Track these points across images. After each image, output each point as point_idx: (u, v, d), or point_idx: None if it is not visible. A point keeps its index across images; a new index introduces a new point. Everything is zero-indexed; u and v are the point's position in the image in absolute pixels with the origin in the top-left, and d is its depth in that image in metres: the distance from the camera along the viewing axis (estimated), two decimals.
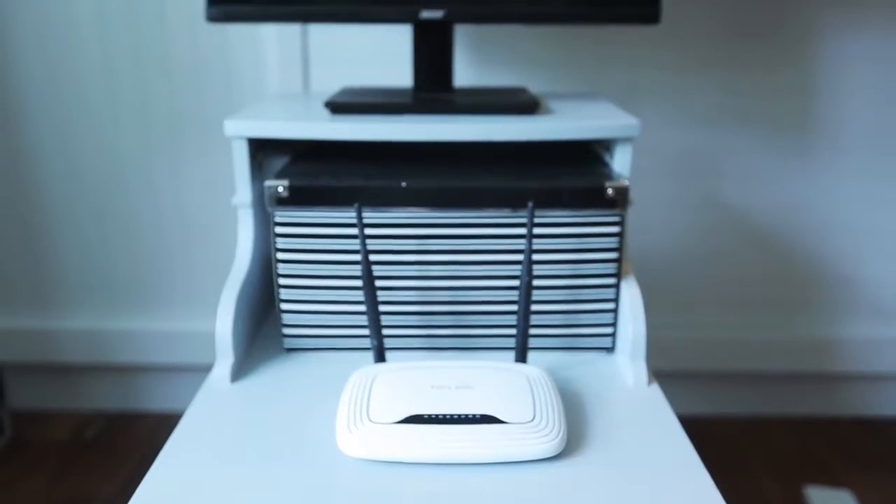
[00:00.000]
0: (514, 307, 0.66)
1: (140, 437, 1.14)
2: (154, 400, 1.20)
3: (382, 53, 1.02)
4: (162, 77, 1.05)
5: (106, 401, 1.21)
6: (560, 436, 0.51)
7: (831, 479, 1.04)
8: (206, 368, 1.16)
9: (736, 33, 1.02)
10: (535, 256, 0.65)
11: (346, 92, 0.78)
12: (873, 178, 1.08)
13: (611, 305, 0.67)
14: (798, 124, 1.06)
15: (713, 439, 1.14)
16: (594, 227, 0.64)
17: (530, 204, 0.60)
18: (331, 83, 1.03)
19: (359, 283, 0.65)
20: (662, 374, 1.16)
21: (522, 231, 0.64)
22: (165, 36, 1.03)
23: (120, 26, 1.03)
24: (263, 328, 0.73)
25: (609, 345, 0.68)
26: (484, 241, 0.65)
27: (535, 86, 1.04)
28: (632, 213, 1.09)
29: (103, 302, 1.16)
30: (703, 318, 1.15)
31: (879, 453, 1.10)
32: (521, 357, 0.61)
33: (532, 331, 0.67)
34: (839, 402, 1.19)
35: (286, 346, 0.68)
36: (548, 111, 0.72)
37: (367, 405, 0.53)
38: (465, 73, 1.04)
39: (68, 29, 1.03)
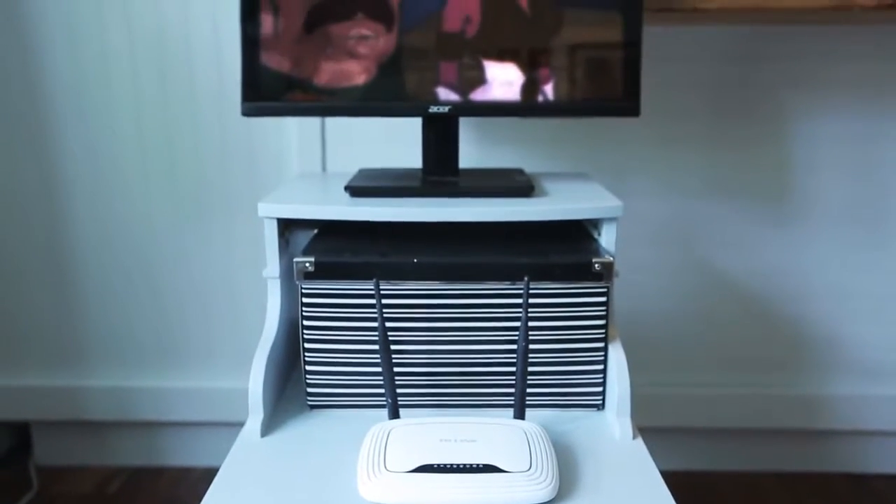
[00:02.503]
0: (513, 369, 0.74)
1: (161, 490, 1.20)
2: (174, 455, 1.26)
3: (393, 135, 1.12)
4: (190, 153, 1.15)
5: (129, 456, 1.27)
6: (553, 483, 0.59)
7: None
8: (224, 425, 1.23)
9: (717, 114, 1.13)
10: (531, 323, 0.73)
11: (363, 175, 0.88)
12: (844, 245, 1.16)
13: (599, 367, 0.74)
14: (775, 196, 1.15)
15: (707, 494, 1.19)
16: (583, 297, 0.73)
17: (526, 278, 0.69)
18: (347, 161, 1.13)
19: (376, 347, 0.73)
20: (657, 430, 1.22)
21: (519, 301, 0.72)
22: (195, 114, 1.13)
23: (153, 106, 1.13)
24: (287, 388, 0.81)
25: (598, 402, 0.76)
26: (485, 310, 0.73)
27: (530, 163, 1.14)
28: (626, 278, 1.18)
29: (127, 361, 1.23)
30: (696, 376, 1.21)
31: None
32: (520, 414, 0.68)
33: (529, 390, 0.75)
34: (827, 458, 1.24)
35: (310, 403, 0.75)
36: (542, 193, 0.81)
37: (383, 456, 0.60)
38: (469, 148, 1.13)
39: (106, 108, 1.13)
